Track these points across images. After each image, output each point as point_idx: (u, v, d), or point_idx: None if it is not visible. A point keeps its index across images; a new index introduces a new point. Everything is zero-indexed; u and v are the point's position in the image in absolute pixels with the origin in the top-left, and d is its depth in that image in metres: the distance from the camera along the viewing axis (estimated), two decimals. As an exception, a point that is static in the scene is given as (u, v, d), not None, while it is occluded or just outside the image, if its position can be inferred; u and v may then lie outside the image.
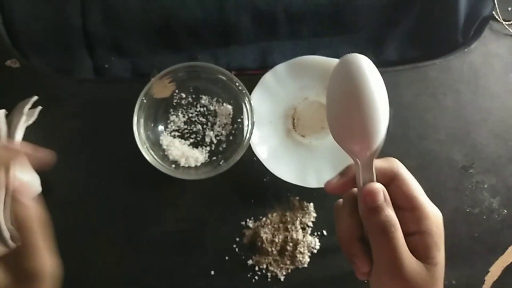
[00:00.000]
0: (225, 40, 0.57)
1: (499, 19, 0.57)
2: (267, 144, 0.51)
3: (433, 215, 0.34)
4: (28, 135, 0.49)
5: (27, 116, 0.48)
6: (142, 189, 0.51)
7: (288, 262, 0.48)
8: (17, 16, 0.55)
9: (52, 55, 0.56)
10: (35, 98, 0.50)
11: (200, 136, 0.52)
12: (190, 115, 0.52)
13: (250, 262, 0.49)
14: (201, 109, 0.52)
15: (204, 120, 0.52)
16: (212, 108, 0.52)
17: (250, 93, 0.51)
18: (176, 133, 0.51)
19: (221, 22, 0.56)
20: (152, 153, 0.49)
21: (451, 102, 0.55)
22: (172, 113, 0.52)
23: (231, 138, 0.52)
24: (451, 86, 0.55)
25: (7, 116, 0.49)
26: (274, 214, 0.50)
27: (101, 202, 0.50)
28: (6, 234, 0.45)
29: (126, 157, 0.50)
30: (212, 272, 0.48)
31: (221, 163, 0.50)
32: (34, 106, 0.50)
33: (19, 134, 0.47)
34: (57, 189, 0.50)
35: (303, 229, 0.49)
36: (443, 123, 0.54)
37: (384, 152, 0.51)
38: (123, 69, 0.57)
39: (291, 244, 0.48)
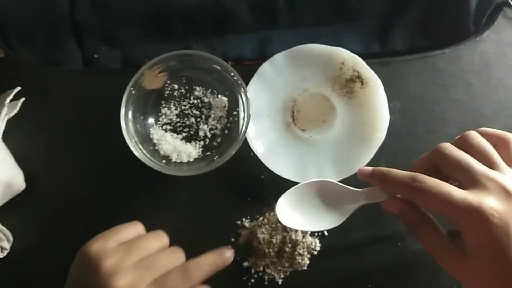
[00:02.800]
0: (221, 29, 0.54)
1: (513, 6, 0.54)
2: (264, 139, 0.48)
3: None
4: (12, 129, 0.46)
5: (8, 108, 0.46)
6: (132, 187, 0.48)
7: (286, 265, 0.45)
8: (1, 4, 0.52)
9: (39, 45, 0.53)
10: (18, 89, 0.47)
11: (194, 130, 0.49)
12: (183, 107, 0.49)
13: (246, 264, 0.46)
14: (195, 101, 0.49)
15: (197, 112, 0.49)
16: (206, 100, 0.49)
17: (247, 84, 0.48)
18: (168, 127, 0.48)
19: (217, 9, 0.54)
20: (142, 148, 0.46)
21: (462, 94, 0.51)
22: (164, 105, 0.49)
23: (226, 132, 0.49)
24: (461, 77, 0.52)
25: (-12, 108, 0.46)
26: (272, 213, 0.47)
27: (88, 200, 0.47)
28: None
29: (116, 152, 0.47)
30: (205, 275, 0.45)
31: (215, 158, 0.47)
32: (17, 97, 0.47)
33: (0, 127, 0.44)
34: (41, 186, 0.47)
35: (303, 229, 0.46)
36: (453, 117, 0.50)
37: (390, 148, 0.48)
38: (114, 60, 0.54)
39: (289, 245, 0.45)
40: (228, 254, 0.42)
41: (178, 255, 0.40)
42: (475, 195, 0.33)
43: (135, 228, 0.41)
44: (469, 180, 0.35)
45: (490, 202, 0.33)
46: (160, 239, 0.41)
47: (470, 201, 0.33)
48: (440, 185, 0.34)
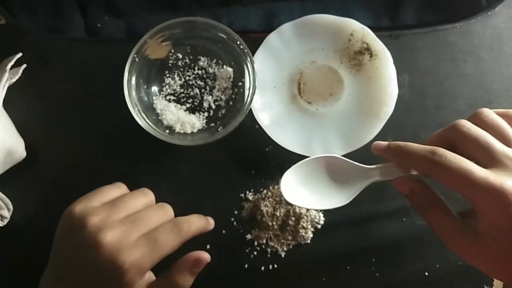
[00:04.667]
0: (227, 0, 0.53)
1: (527, -20, 0.52)
2: (270, 111, 0.47)
3: None
4: (13, 97, 0.45)
5: (10, 74, 0.45)
6: (135, 158, 0.47)
7: (289, 238, 0.45)
8: (3, -30, 0.51)
9: (42, 13, 0.52)
10: (19, 55, 0.46)
11: (198, 101, 0.48)
12: (187, 78, 0.48)
13: (249, 236, 0.45)
14: (199, 72, 0.48)
15: (202, 83, 0.48)
16: (211, 70, 0.48)
17: (253, 55, 0.46)
18: (172, 97, 0.47)
19: (223, -22, 0.52)
20: (145, 117, 0.45)
21: (472, 69, 0.50)
22: (168, 75, 0.48)
23: (231, 103, 0.48)
24: (472, 51, 0.50)
25: (-11, 74, 0.45)
26: (276, 187, 0.46)
27: (90, 170, 0.47)
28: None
29: (118, 122, 0.47)
30: (208, 246, 0.45)
31: (219, 129, 0.46)
32: (18, 64, 0.46)
33: (1, 93, 0.43)
34: (42, 155, 0.47)
35: (307, 202, 0.46)
36: (463, 92, 0.49)
37: (398, 123, 0.47)
38: (117, 29, 0.53)
39: (293, 218, 0.45)
40: (211, 220, 0.42)
41: (165, 210, 0.39)
42: (496, 174, 0.32)
43: (119, 188, 0.41)
44: (488, 158, 0.33)
45: (511, 183, 0.31)
46: (145, 195, 0.40)
47: (491, 181, 0.31)
48: (460, 161, 0.32)
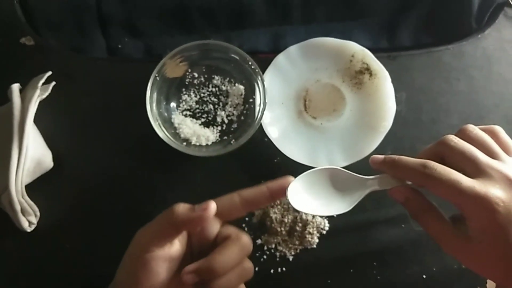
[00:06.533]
0: (238, 23, 0.57)
1: (513, 6, 0.57)
2: (278, 125, 0.51)
3: None
4: (42, 111, 0.49)
5: (40, 91, 0.49)
6: (152, 168, 0.51)
7: (297, 243, 0.48)
8: (32, -6, 0.55)
9: (66, 34, 0.56)
10: (49, 73, 0.50)
11: (212, 116, 0.52)
12: (202, 94, 0.52)
13: (259, 241, 0.48)
14: (213, 89, 0.52)
15: (215, 100, 0.52)
16: (224, 88, 0.52)
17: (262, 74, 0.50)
18: (188, 112, 0.51)
19: (234, 4, 0.57)
20: (164, 130, 0.49)
21: (464, 87, 0.54)
22: (184, 92, 0.52)
23: (242, 118, 0.52)
24: (464, 71, 0.55)
25: (21, 90, 0.49)
26: (284, 195, 0.50)
27: (112, 179, 0.50)
28: (17, 207, 0.45)
29: (138, 135, 0.51)
30: (221, 251, 0.48)
31: (231, 142, 0.50)
32: (47, 81, 0.50)
33: (32, 108, 0.47)
34: (68, 165, 0.50)
35: (313, 210, 0.49)
36: (456, 108, 0.53)
37: (396, 136, 0.51)
38: (136, 50, 0.57)
39: (300, 224, 0.48)
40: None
41: None
42: (482, 184, 0.34)
43: None
44: (474, 170, 0.36)
45: (495, 191, 0.34)
46: None
47: (477, 190, 0.34)
48: (449, 173, 0.35)
